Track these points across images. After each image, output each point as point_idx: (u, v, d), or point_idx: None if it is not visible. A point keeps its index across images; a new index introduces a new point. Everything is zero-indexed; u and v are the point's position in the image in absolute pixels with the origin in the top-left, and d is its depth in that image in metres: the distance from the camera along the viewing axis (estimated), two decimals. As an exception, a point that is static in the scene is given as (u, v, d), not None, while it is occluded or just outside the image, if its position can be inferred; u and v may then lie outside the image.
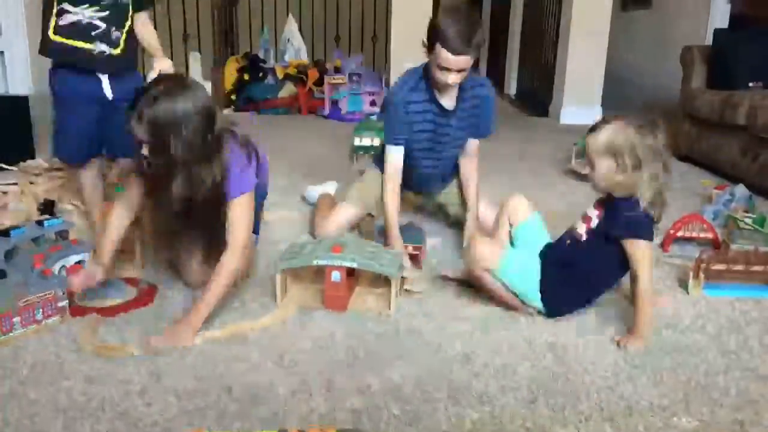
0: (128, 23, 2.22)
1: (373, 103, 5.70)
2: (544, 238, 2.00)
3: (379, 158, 2.45)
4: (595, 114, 5.54)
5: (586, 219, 1.87)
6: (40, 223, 2.05)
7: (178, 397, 1.44)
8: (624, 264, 1.79)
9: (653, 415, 1.42)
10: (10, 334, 1.65)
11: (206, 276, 1.82)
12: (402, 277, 1.97)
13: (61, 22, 2.13)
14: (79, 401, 1.42)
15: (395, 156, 2.29)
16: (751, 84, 3.79)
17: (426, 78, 2.23)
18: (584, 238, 1.85)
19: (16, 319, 1.67)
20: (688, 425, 1.39)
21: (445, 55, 2.04)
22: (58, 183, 2.83)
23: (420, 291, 2.01)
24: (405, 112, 2.24)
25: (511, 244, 2.01)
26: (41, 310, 1.72)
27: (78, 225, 2.51)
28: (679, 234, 2.46)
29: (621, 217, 1.77)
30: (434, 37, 2.06)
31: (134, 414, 1.38)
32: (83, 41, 2.15)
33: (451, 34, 2.01)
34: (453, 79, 2.10)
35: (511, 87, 7.58)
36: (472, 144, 2.42)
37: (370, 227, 2.56)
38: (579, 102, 5.60)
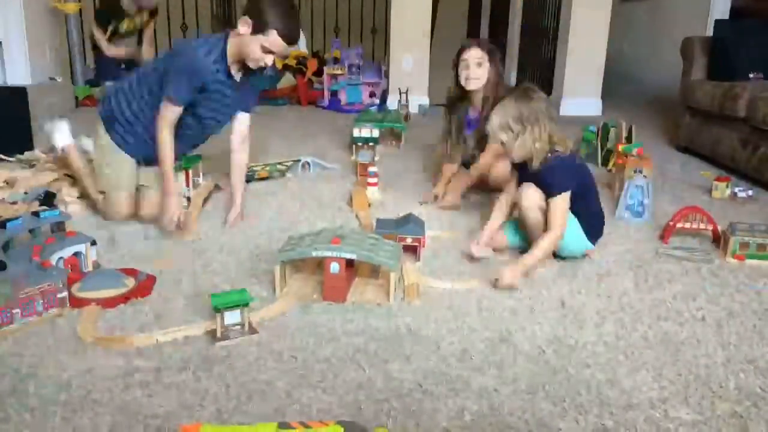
0: None
1: (372, 95, 5.68)
2: None
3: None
4: (594, 106, 5.54)
5: None
6: (36, 214, 2.04)
7: (179, 391, 1.44)
8: None
9: (653, 408, 1.42)
10: (11, 325, 1.65)
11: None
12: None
13: None
14: (78, 394, 1.41)
15: None
16: (751, 75, 3.78)
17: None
18: None
19: (17, 311, 1.66)
20: (688, 418, 1.39)
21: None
22: (53, 175, 2.81)
23: (445, 287, 2.01)
24: None
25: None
26: (41, 301, 1.71)
27: (78, 215, 2.51)
28: (679, 225, 2.46)
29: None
30: None
31: (134, 407, 1.38)
32: None
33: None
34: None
35: (511, 79, 7.56)
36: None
37: (368, 220, 2.56)
38: (579, 94, 5.59)
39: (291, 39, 2.25)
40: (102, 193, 2.53)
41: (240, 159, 2.64)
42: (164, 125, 2.30)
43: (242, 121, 2.59)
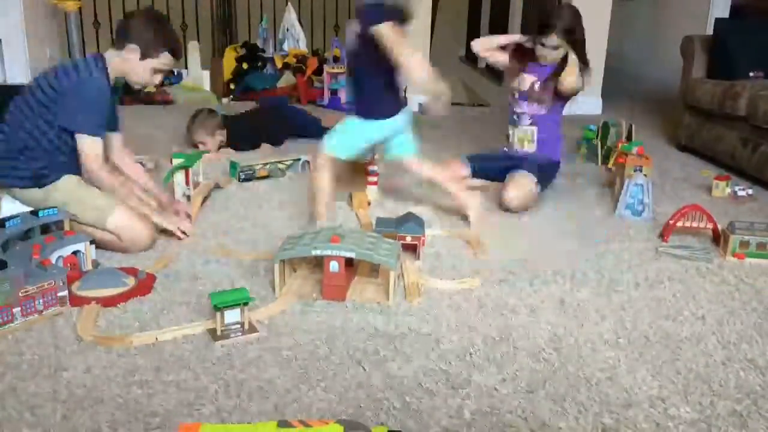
0: None
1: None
2: None
3: None
4: (594, 105, 5.54)
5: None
6: (34, 213, 2.04)
7: (178, 389, 1.44)
8: None
9: (652, 407, 1.42)
10: (11, 325, 1.65)
11: None
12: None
13: None
14: (78, 392, 1.42)
15: None
16: (751, 74, 3.77)
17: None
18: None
19: (17, 310, 1.66)
20: (688, 416, 1.39)
21: None
22: None
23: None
24: None
25: None
26: (41, 300, 1.71)
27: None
28: (679, 224, 2.46)
29: None
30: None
31: (133, 405, 1.38)
32: None
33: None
34: None
35: (511, 77, 7.56)
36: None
37: (368, 219, 2.56)
38: (579, 93, 5.56)
39: (180, 54, 2.34)
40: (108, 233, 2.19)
41: (137, 171, 2.48)
42: (99, 166, 2.18)
43: (118, 139, 2.41)
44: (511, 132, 2.98)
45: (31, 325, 1.68)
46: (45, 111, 2.14)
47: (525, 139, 2.91)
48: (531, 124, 2.90)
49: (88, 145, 2.17)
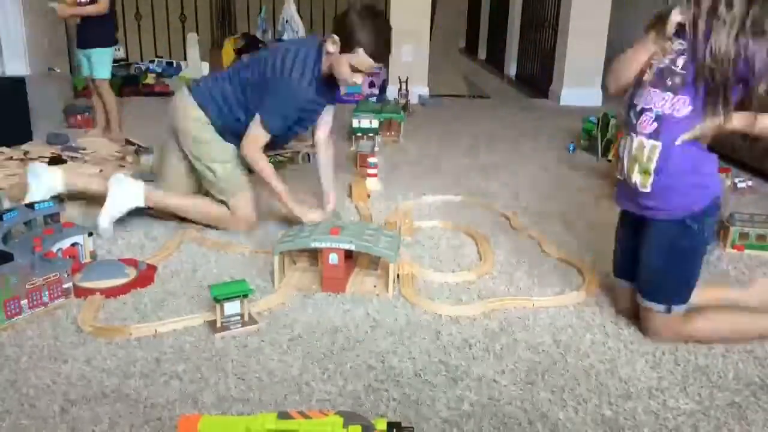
0: None
1: (371, 85, 5.67)
2: None
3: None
4: (595, 96, 5.52)
5: None
6: (31, 206, 2.04)
7: (179, 380, 1.44)
8: None
9: (652, 398, 1.42)
10: (19, 317, 1.66)
11: None
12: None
13: None
14: (78, 384, 1.42)
15: None
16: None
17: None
18: None
19: (24, 302, 1.67)
20: (686, 407, 1.40)
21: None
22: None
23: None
24: None
25: None
26: (47, 292, 1.72)
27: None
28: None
29: None
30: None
31: (134, 396, 1.38)
32: None
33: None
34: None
35: (511, 69, 7.55)
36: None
37: (368, 210, 2.56)
38: (579, 84, 5.56)
39: (379, 56, 2.12)
40: (221, 202, 2.34)
41: (328, 156, 2.48)
42: (258, 153, 2.23)
43: (327, 111, 2.43)
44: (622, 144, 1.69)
45: (32, 318, 1.68)
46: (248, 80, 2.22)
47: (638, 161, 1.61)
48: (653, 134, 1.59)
49: (254, 130, 2.19)
